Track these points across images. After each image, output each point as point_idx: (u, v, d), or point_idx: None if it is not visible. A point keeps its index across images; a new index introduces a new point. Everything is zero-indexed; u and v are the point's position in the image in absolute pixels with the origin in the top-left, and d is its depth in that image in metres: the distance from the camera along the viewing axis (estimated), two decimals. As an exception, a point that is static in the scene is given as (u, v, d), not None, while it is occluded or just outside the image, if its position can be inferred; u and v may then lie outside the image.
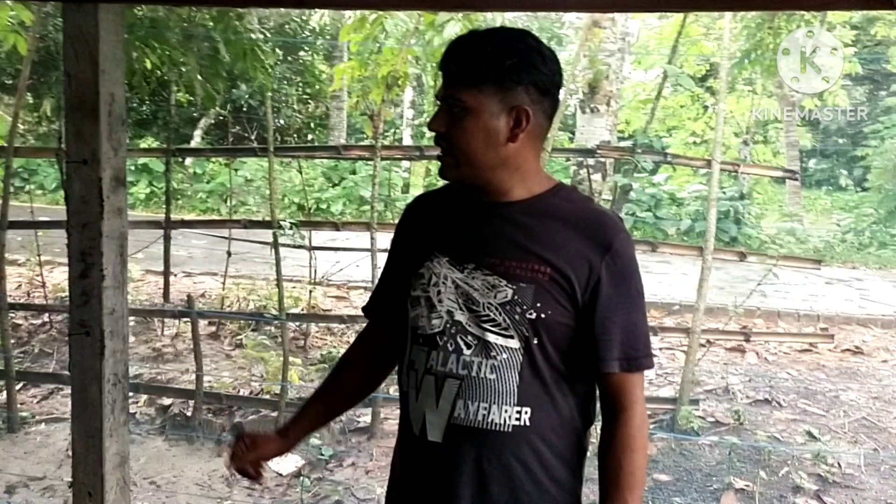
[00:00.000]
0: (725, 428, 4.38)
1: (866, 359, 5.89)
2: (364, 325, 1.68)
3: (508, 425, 1.36)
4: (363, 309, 1.66)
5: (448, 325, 1.39)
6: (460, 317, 1.39)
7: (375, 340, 1.62)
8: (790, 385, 5.15)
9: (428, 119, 1.44)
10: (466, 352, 1.37)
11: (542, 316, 1.35)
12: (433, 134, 1.41)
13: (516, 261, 1.37)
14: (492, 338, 1.36)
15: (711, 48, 12.26)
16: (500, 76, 1.34)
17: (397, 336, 1.52)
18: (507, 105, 1.35)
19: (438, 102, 1.41)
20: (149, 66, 3.60)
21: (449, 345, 1.39)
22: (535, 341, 1.36)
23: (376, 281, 4.54)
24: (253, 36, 3.45)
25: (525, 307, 1.35)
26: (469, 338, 1.38)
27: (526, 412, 1.36)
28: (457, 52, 1.38)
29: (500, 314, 1.36)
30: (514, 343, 1.36)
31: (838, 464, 4.03)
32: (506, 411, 1.36)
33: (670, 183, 13.68)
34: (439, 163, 1.43)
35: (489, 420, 1.36)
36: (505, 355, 1.36)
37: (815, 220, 15.44)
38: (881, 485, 3.91)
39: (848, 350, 6.03)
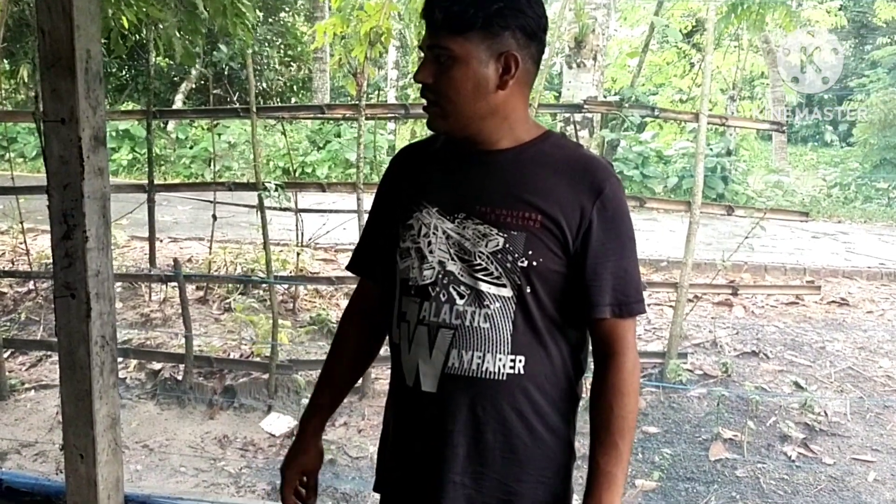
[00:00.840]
0: (713, 380, 4.42)
1: (852, 310, 5.95)
2: (352, 288, 1.65)
3: (503, 374, 1.36)
4: (348, 266, 1.63)
5: (440, 276, 1.38)
6: (452, 267, 1.37)
7: (368, 298, 1.59)
8: (777, 337, 5.20)
9: (413, 73, 1.39)
10: (459, 302, 1.36)
11: (534, 264, 1.34)
12: (419, 87, 1.38)
13: (507, 209, 1.36)
14: (484, 287, 1.35)
15: (697, 4, 12.16)
16: (486, 22, 1.30)
17: (385, 289, 1.51)
18: (496, 52, 1.32)
19: (423, 53, 1.37)
20: (125, 23, 3.52)
21: (441, 295, 1.38)
22: (528, 289, 1.35)
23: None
24: (232, -9, 3.37)
25: (516, 255, 1.34)
26: (462, 287, 1.37)
27: (520, 360, 1.36)
28: None
29: (492, 263, 1.35)
30: (507, 292, 1.35)
31: (825, 412, 4.09)
32: (500, 360, 1.35)
33: (657, 140, 13.66)
34: (427, 114, 1.40)
35: (483, 369, 1.36)
36: (498, 304, 1.35)
37: (801, 176, 15.49)
38: (867, 432, 3.97)
39: (834, 302, 6.08)
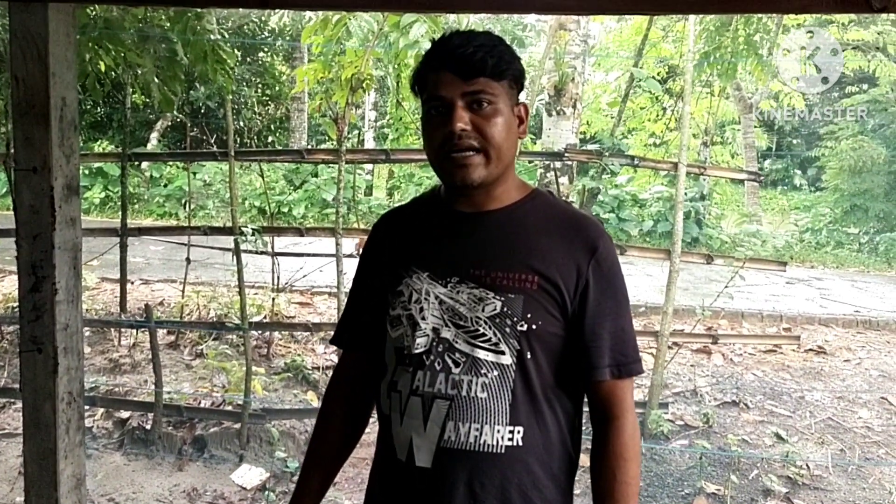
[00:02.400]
0: (695, 431, 4.37)
1: (829, 358, 5.95)
2: (328, 333, 1.58)
3: (501, 446, 1.30)
4: (332, 341, 1.58)
5: (434, 344, 1.33)
6: (447, 334, 1.32)
7: (352, 372, 1.52)
8: (756, 386, 5.18)
9: (419, 126, 1.36)
10: (455, 370, 1.31)
11: (534, 327, 1.30)
12: (448, 133, 1.30)
13: (502, 271, 1.32)
14: (481, 354, 1.30)
15: (670, 50, 12.38)
16: (512, 74, 1.34)
17: (373, 360, 1.45)
18: (514, 102, 1.36)
19: (443, 102, 1.31)
20: (103, 68, 3.46)
21: (436, 364, 1.32)
22: (529, 355, 1.30)
23: (341, 284, 4.39)
24: (213, 37, 3.33)
25: (515, 319, 1.29)
26: (457, 355, 1.31)
27: (518, 431, 1.31)
28: (483, 44, 1.31)
29: (490, 328, 1.30)
30: (506, 359, 1.30)
31: (807, 465, 4.05)
32: (498, 431, 1.30)
33: (632, 184, 13.79)
34: (460, 165, 1.31)
35: (481, 441, 1.30)
36: (496, 372, 1.30)
37: (773, 221, 15.70)
38: (849, 485, 3.93)
39: (811, 350, 6.09)
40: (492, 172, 1.33)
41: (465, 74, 1.30)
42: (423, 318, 1.34)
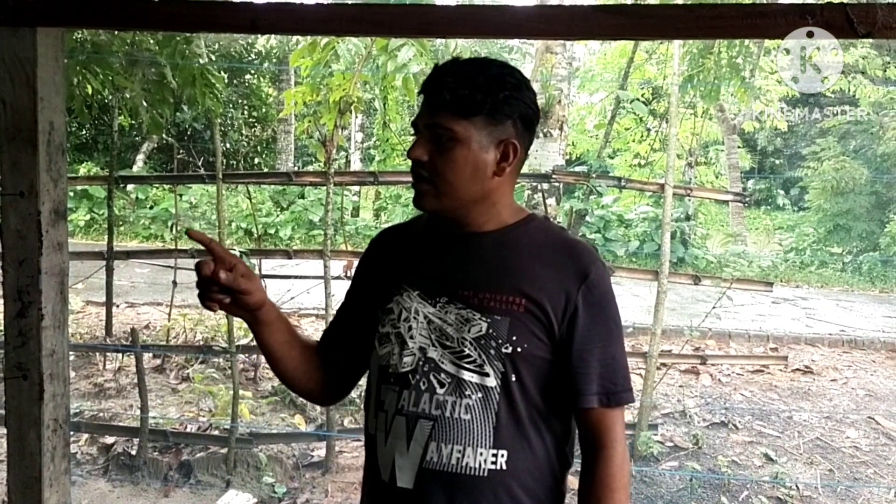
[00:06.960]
0: (684, 452, 4.36)
1: (816, 378, 5.98)
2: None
3: (484, 469, 1.29)
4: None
5: (420, 363, 1.32)
6: (433, 353, 1.32)
7: (326, 357, 1.50)
8: (745, 406, 5.18)
9: (405, 147, 1.36)
10: (440, 391, 1.30)
11: (519, 350, 1.29)
12: (411, 161, 1.33)
13: (490, 292, 1.31)
14: (466, 375, 1.29)
15: (653, 72, 12.51)
16: (492, 108, 1.30)
17: (351, 374, 1.48)
18: (496, 138, 1.31)
19: (417, 129, 1.34)
20: (90, 91, 3.44)
21: (422, 383, 1.31)
22: (513, 378, 1.29)
23: (329, 307, 4.36)
24: (202, 61, 3.33)
25: (500, 341, 1.29)
26: (442, 375, 1.31)
27: (502, 455, 1.29)
28: (449, 79, 1.30)
29: (475, 349, 1.29)
30: (491, 381, 1.29)
31: (796, 486, 4.05)
32: (481, 454, 1.29)
33: (618, 205, 13.87)
34: (417, 191, 1.35)
35: (463, 464, 1.29)
36: (480, 394, 1.29)
37: (758, 241, 15.81)
38: (838, 506, 3.93)
39: (798, 370, 6.11)
40: (446, 205, 1.33)
41: (431, 107, 1.31)
42: (412, 337, 1.33)
